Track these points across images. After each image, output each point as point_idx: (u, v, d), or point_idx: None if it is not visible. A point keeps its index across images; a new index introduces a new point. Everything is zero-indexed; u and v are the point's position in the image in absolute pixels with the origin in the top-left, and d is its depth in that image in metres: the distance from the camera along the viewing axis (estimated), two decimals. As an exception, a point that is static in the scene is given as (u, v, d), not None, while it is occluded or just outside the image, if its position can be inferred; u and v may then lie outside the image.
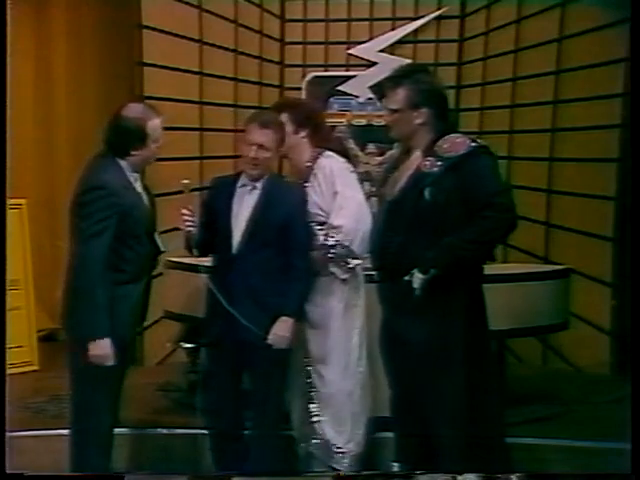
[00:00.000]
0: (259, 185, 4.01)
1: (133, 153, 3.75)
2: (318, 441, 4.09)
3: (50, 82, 7.12)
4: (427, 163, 3.51)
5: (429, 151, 3.54)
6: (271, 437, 4.07)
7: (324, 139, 4.20)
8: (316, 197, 4.06)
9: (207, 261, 4.57)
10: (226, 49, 6.42)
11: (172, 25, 6.21)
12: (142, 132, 3.74)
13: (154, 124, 3.79)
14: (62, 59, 7.11)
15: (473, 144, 3.50)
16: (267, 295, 3.94)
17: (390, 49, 6.42)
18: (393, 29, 6.46)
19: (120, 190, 3.69)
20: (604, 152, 5.98)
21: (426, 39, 6.46)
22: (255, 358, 3.98)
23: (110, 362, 3.65)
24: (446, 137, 3.53)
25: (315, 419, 4.08)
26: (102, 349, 3.64)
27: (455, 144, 3.50)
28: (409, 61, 6.25)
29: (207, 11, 6.33)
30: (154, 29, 6.16)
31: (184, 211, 3.96)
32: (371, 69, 6.39)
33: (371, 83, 6.30)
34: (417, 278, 3.44)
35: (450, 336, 3.49)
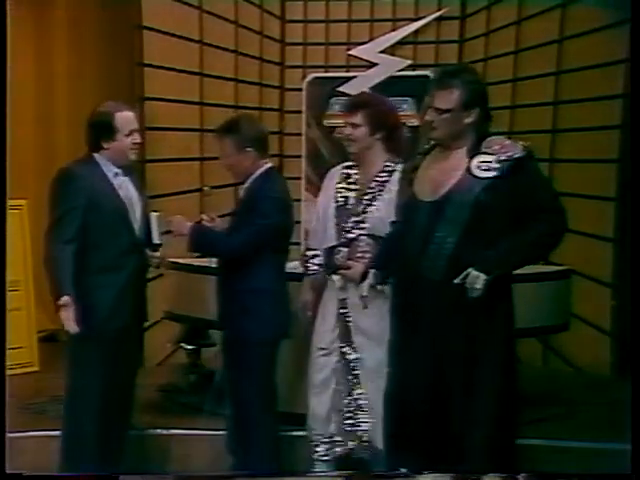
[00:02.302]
0: (247, 184, 4.12)
1: (105, 146, 3.94)
2: (367, 447, 4.06)
3: (50, 82, 7.11)
4: (482, 165, 3.48)
5: (475, 152, 3.51)
6: (260, 437, 4.09)
7: (400, 145, 4.08)
8: (385, 211, 3.93)
9: (207, 262, 4.59)
10: (226, 50, 6.42)
11: (172, 25, 6.21)
12: (109, 125, 3.93)
13: (123, 116, 3.96)
14: (62, 59, 7.10)
15: (525, 149, 3.50)
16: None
17: (390, 50, 6.41)
18: (393, 30, 6.44)
19: (89, 180, 3.90)
20: (604, 153, 5.98)
21: (426, 40, 6.44)
22: (240, 356, 4.05)
23: (72, 325, 3.75)
24: (490, 138, 3.52)
25: (365, 427, 4.04)
26: (65, 310, 3.76)
27: (506, 146, 3.49)
28: (409, 61, 6.29)
29: (207, 11, 6.33)
30: (154, 29, 6.16)
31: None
32: (371, 70, 6.37)
33: (372, 84, 6.29)
34: (479, 279, 3.39)
35: (490, 337, 3.48)
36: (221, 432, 4.34)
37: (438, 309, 3.52)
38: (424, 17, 6.41)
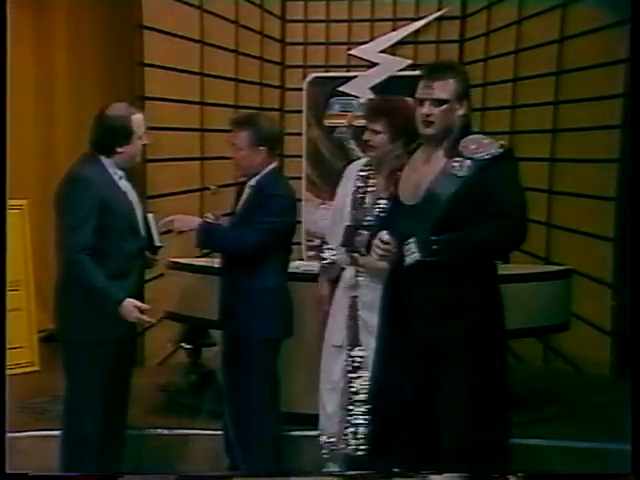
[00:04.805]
0: (252, 182, 4.09)
1: (119, 150, 3.85)
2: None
3: (50, 82, 7.11)
4: (456, 165, 3.45)
5: (453, 151, 3.48)
6: (263, 437, 4.09)
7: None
8: None
9: (206, 261, 4.60)
10: (227, 49, 6.42)
11: (172, 25, 6.22)
12: (127, 129, 3.84)
13: (137, 119, 3.88)
14: (62, 59, 7.10)
15: (501, 148, 3.47)
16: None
17: (391, 50, 6.42)
18: (394, 30, 6.45)
19: (100, 185, 3.79)
20: (605, 153, 5.98)
21: (427, 40, 6.45)
22: (244, 355, 4.05)
23: (141, 316, 3.73)
24: (469, 138, 3.49)
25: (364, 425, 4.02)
26: (128, 309, 3.72)
27: (483, 145, 3.46)
28: (409, 61, 6.30)
29: (208, 11, 6.33)
30: (154, 29, 6.17)
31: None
32: (372, 70, 6.38)
33: (372, 84, 6.30)
34: (413, 254, 3.39)
35: (466, 335, 3.46)
36: (221, 432, 4.34)
37: (409, 305, 3.52)
38: (424, 17, 6.42)
